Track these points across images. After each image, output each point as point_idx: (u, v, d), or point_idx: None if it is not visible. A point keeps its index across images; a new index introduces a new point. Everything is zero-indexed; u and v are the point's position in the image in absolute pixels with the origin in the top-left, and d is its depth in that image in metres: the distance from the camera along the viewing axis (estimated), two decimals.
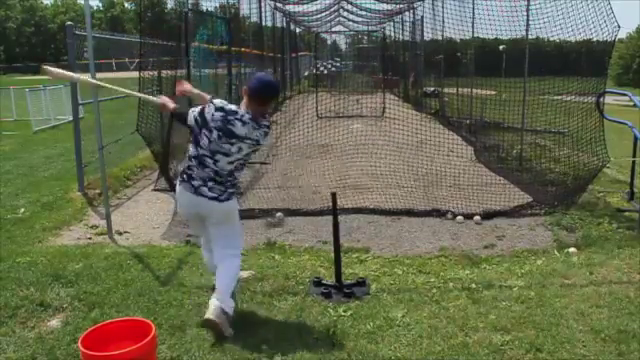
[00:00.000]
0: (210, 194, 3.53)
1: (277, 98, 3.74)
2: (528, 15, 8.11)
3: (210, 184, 3.53)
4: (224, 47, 10.25)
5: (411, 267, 4.55)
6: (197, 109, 3.58)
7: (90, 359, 2.71)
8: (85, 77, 3.81)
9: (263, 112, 3.59)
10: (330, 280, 4.14)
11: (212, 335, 3.37)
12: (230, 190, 3.62)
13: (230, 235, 3.69)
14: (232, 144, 3.48)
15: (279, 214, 6.03)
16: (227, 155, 3.49)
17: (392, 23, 20.51)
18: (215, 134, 3.45)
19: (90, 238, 5.47)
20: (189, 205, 3.64)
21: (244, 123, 3.46)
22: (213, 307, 3.36)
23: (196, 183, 3.54)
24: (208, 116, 3.48)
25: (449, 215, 5.99)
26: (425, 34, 15.37)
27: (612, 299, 3.87)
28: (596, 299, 3.87)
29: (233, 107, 3.54)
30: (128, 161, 8.57)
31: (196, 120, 3.52)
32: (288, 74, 22.35)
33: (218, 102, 3.55)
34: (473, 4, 10.14)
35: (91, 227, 5.80)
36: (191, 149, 3.58)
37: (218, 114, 3.47)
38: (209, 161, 3.50)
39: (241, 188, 7.11)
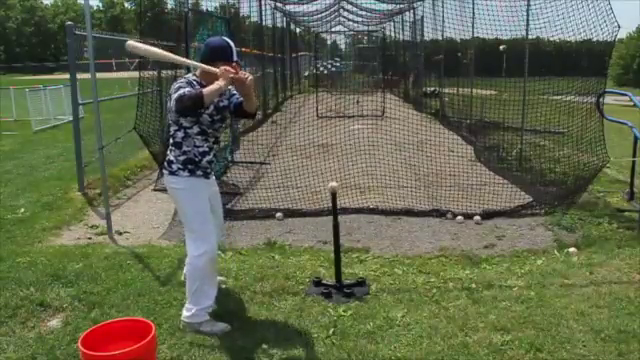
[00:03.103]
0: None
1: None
2: (528, 15, 8.11)
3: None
4: None
5: (411, 267, 4.55)
6: (188, 88, 3.33)
7: (90, 359, 2.71)
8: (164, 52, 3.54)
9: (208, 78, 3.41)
10: (330, 280, 4.14)
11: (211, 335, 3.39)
12: (175, 166, 3.43)
13: (182, 216, 3.64)
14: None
15: (279, 214, 6.04)
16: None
17: (392, 23, 20.51)
18: None
19: (90, 238, 5.47)
20: None
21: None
22: (182, 315, 3.54)
23: None
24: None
25: (449, 215, 5.99)
26: (425, 34, 15.37)
27: (612, 299, 3.87)
28: (596, 299, 3.87)
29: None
30: (128, 161, 8.57)
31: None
32: (288, 74, 22.35)
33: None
34: (473, 4, 10.14)
35: (91, 227, 5.80)
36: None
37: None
38: None
39: (241, 188, 7.13)
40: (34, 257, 4.73)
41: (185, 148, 3.44)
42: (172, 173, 3.46)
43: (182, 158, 3.44)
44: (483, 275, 4.37)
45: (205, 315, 3.48)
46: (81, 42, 7.52)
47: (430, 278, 4.32)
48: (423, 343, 3.34)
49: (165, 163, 3.53)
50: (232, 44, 3.51)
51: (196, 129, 3.43)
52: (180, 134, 3.44)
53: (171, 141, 3.50)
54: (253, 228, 5.70)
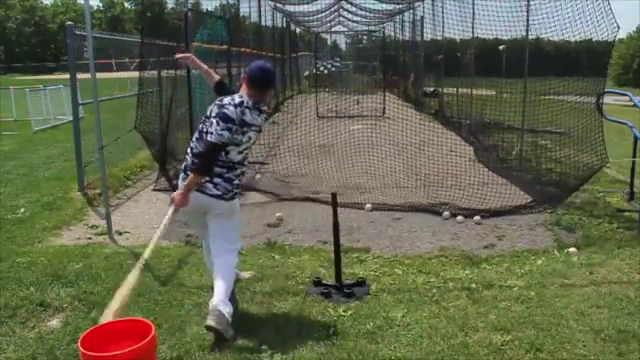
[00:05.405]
0: (215, 191, 3.51)
1: (274, 86, 3.78)
2: (528, 15, 8.11)
3: (217, 180, 3.51)
4: (224, 47, 10.25)
5: (411, 267, 4.55)
6: (221, 124, 3.42)
7: (90, 359, 2.71)
8: None
9: (262, 100, 3.67)
10: (330, 280, 4.14)
11: (213, 337, 3.36)
12: (236, 190, 3.64)
13: (228, 230, 3.69)
14: (244, 133, 3.50)
15: (279, 214, 6.04)
16: (238, 145, 3.51)
17: (392, 23, 20.53)
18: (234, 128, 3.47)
19: (90, 238, 5.47)
20: (190, 202, 3.54)
21: (251, 110, 3.51)
22: (213, 313, 3.31)
23: None
24: (236, 117, 3.44)
25: (449, 215, 5.99)
26: (425, 34, 15.40)
27: (612, 299, 3.87)
28: (596, 299, 3.87)
29: (237, 99, 3.52)
30: (128, 161, 8.57)
31: (229, 132, 3.45)
32: (288, 74, 22.35)
33: (228, 100, 3.50)
34: (473, 4, 10.16)
35: (91, 227, 5.80)
36: (197, 145, 3.55)
37: (238, 109, 3.46)
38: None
39: (241, 188, 7.13)
40: (34, 257, 4.73)
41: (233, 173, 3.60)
42: (234, 197, 3.66)
43: (236, 182, 3.62)
44: (483, 275, 4.37)
45: None
46: (81, 42, 7.52)
47: (430, 278, 4.32)
48: (423, 343, 3.34)
49: (222, 192, 3.54)
50: (273, 75, 3.74)
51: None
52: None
53: (223, 169, 3.54)
54: (253, 228, 5.70)
